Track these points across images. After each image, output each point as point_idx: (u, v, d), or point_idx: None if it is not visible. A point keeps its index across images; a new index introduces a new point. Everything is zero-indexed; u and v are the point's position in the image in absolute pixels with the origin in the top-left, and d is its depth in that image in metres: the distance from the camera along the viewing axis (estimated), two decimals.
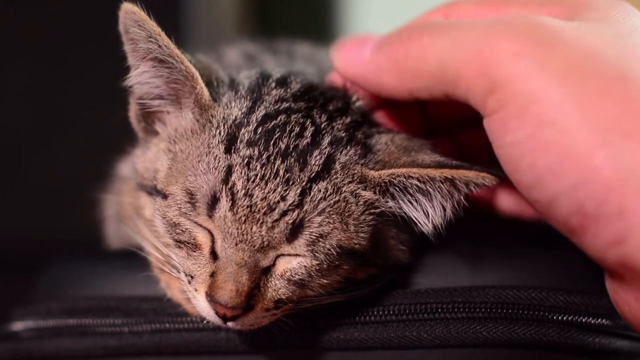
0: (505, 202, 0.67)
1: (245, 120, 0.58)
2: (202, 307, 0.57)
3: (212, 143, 0.57)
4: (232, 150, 0.56)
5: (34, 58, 1.31)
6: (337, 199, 0.56)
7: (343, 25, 1.83)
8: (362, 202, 0.57)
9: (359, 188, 0.57)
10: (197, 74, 0.59)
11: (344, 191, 0.57)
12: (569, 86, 0.48)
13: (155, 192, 0.60)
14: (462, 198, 0.56)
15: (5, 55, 1.30)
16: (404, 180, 0.57)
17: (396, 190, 0.58)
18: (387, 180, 0.57)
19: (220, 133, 0.57)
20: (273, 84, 0.62)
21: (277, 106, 0.59)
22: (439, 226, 0.58)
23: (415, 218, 0.58)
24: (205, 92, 0.59)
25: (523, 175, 0.50)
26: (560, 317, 0.57)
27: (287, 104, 0.60)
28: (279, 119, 0.58)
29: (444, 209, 0.57)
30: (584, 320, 0.57)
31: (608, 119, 0.47)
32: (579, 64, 0.48)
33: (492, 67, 0.50)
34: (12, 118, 1.31)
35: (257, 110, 0.59)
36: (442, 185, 0.56)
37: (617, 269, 0.51)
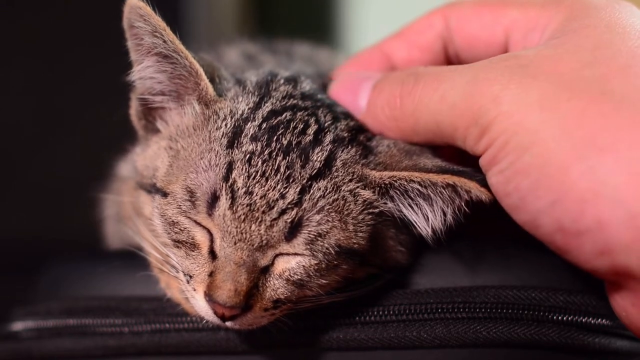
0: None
1: (252, 115, 0.58)
2: (200, 306, 0.57)
3: (215, 137, 0.57)
4: (235, 145, 0.56)
5: (34, 58, 1.31)
6: (336, 197, 0.56)
7: (343, 25, 1.83)
8: (360, 201, 0.57)
9: (358, 187, 0.57)
10: (201, 70, 0.59)
11: (343, 190, 0.57)
12: (545, 113, 0.50)
13: (154, 190, 0.60)
14: (463, 204, 0.56)
15: (5, 55, 1.30)
16: (405, 183, 0.57)
17: (396, 193, 0.58)
18: (387, 182, 0.57)
19: (226, 125, 0.58)
20: (282, 81, 0.62)
21: (284, 102, 0.60)
22: (439, 231, 0.58)
23: (415, 222, 0.58)
24: (210, 88, 0.59)
25: (510, 198, 0.52)
26: (560, 317, 0.57)
27: (295, 101, 0.60)
28: (284, 115, 0.58)
29: (445, 214, 0.57)
30: (584, 320, 0.57)
31: (583, 136, 0.49)
32: (554, 93, 0.51)
33: (479, 115, 0.52)
34: (12, 118, 1.31)
35: (264, 105, 0.59)
36: (443, 191, 0.56)
37: (610, 277, 0.52)
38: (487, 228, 0.62)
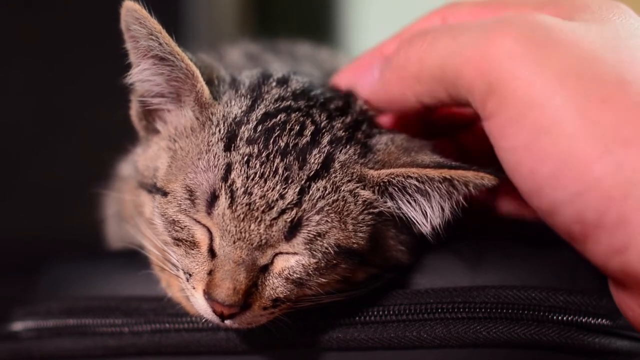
0: (506, 204, 0.67)
1: (245, 118, 0.58)
2: (199, 305, 0.57)
3: (211, 141, 0.57)
4: (232, 148, 0.56)
5: (34, 58, 1.31)
6: (335, 197, 0.56)
7: (343, 25, 1.83)
8: (360, 202, 0.57)
9: (357, 187, 0.57)
10: (197, 72, 0.59)
11: (343, 190, 0.57)
12: (566, 90, 0.47)
13: (155, 189, 0.60)
14: (461, 198, 0.56)
15: (5, 55, 1.30)
16: (403, 180, 0.57)
17: (395, 190, 0.58)
18: (386, 180, 0.57)
19: (220, 131, 0.58)
20: (274, 83, 0.62)
21: (277, 105, 0.60)
22: (438, 227, 0.58)
23: (414, 218, 0.58)
24: (206, 90, 0.59)
25: (523, 181, 0.50)
26: (560, 317, 0.57)
27: (288, 103, 0.60)
28: (278, 117, 0.58)
29: (443, 210, 0.57)
30: (584, 320, 0.57)
31: (607, 125, 0.46)
32: (577, 67, 0.48)
33: (490, 67, 0.49)
34: (12, 118, 1.31)
35: (257, 108, 0.59)
36: (440, 186, 0.56)
37: (619, 277, 0.51)
38: (488, 225, 0.61)
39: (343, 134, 0.59)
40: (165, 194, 0.58)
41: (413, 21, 0.65)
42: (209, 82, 0.60)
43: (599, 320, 0.57)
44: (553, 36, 0.49)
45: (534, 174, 0.49)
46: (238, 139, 0.57)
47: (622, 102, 0.47)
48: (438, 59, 0.53)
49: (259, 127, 0.57)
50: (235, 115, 0.58)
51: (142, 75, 0.61)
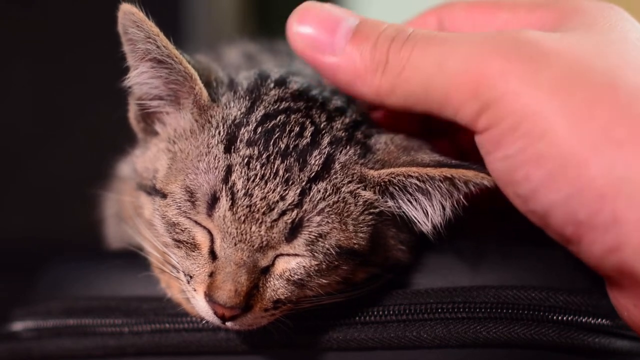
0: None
1: (245, 120, 0.58)
2: (200, 307, 0.57)
3: (211, 143, 0.57)
4: (232, 150, 0.56)
5: (34, 58, 1.31)
6: (336, 199, 0.56)
7: None
8: (361, 202, 0.57)
9: (358, 188, 0.57)
10: (195, 75, 0.59)
11: (343, 191, 0.57)
12: (557, 99, 0.48)
13: (154, 191, 0.60)
14: (461, 197, 0.56)
15: (6, 55, 1.30)
16: (404, 179, 0.57)
17: (396, 189, 0.58)
18: (386, 180, 0.57)
19: (220, 133, 0.58)
20: (272, 84, 0.62)
21: (277, 106, 0.59)
22: (439, 225, 0.58)
23: (415, 217, 0.58)
24: (204, 93, 0.59)
25: (517, 187, 0.51)
26: (560, 317, 0.57)
27: (287, 104, 0.60)
28: (278, 118, 0.58)
29: (444, 208, 0.57)
30: (584, 320, 0.57)
31: (598, 127, 0.47)
32: (566, 76, 0.49)
33: (483, 89, 0.50)
34: (12, 118, 1.31)
35: (257, 110, 0.59)
36: (441, 184, 0.56)
37: (614, 276, 0.51)
38: (488, 225, 0.62)
39: (343, 134, 0.59)
40: (164, 195, 0.58)
41: (409, 19, 0.65)
42: (207, 84, 0.60)
43: (599, 320, 0.57)
44: (540, 50, 0.50)
45: (528, 178, 0.50)
46: (238, 140, 0.57)
47: (612, 104, 0.48)
48: (423, 81, 0.53)
49: (259, 129, 0.57)
50: (235, 117, 0.58)
51: (140, 78, 0.61)
